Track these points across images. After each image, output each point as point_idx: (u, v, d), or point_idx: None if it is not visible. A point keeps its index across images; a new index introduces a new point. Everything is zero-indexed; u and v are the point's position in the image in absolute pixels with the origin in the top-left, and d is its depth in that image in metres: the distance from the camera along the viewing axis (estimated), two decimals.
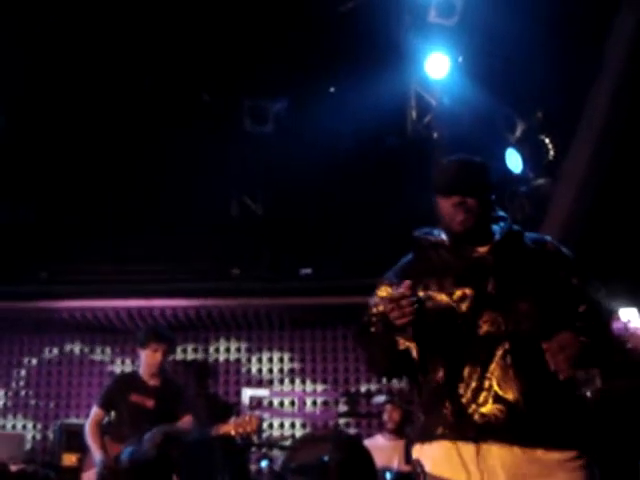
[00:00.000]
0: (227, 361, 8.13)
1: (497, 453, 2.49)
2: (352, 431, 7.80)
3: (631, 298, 5.10)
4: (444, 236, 2.81)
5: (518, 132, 6.86)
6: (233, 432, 5.01)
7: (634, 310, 5.10)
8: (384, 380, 7.99)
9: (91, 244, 7.56)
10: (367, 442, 6.25)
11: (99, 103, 7.12)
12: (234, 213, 7.59)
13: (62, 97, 7.02)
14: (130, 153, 7.37)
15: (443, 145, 7.05)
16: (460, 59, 6.85)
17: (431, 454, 2.64)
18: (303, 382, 8.02)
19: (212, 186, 7.37)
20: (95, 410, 5.69)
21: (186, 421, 5.59)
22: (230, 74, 7.26)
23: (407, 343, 2.63)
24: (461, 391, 2.56)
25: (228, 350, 8.16)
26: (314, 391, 7.97)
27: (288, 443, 7.42)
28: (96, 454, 5.36)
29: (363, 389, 7.99)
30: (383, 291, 2.79)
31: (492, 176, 2.84)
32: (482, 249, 2.74)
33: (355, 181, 7.23)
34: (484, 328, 2.58)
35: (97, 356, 8.15)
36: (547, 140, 6.78)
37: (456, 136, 7.02)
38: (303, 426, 7.88)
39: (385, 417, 6.70)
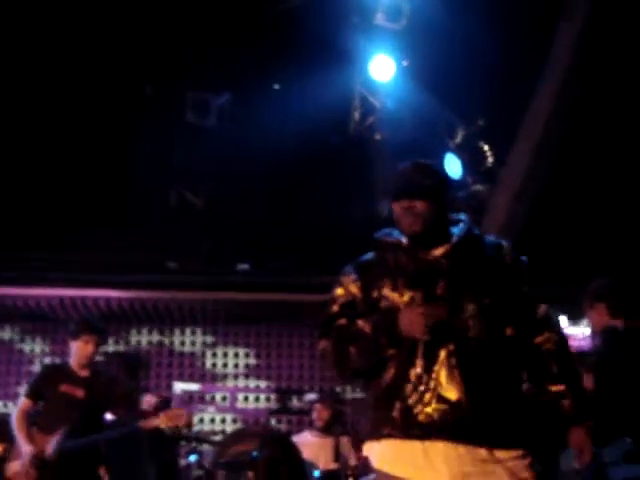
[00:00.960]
0: (160, 354, 8.06)
1: (442, 451, 2.53)
2: (283, 428, 7.82)
3: (561, 305, 5.22)
4: (403, 238, 2.84)
5: (458, 138, 6.97)
6: (163, 425, 4.96)
7: (563, 317, 5.22)
8: (317, 377, 8.04)
9: (25, 232, 7.40)
10: (295, 439, 6.27)
11: (43, 92, 6.99)
12: (173, 205, 7.52)
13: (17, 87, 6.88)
14: (70, 142, 7.24)
15: (384, 147, 7.11)
16: (405, 63, 6.92)
17: (379, 452, 2.67)
18: (235, 377, 8.00)
19: (152, 177, 7.30)
20: (23, 400, 5.57)
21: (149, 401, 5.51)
22: (174, 67, 7.19)
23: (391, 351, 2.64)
24: (408, 392, 2.58)
25: (161, 344, 8.09)
26: (246, 387, 7.95)
27: (218, 438, 7.40)
28: (23, 445, 5.25)
29: (295, 386, 8.00)
30: (348, 285, 2.80)
31: (446, 179, 2.88)
32: (438, 251, 2.77)
33: (296, 178, 7.25)
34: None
35: (27, 345, 7.99)
36: (486, 147, 6.90)
37: (398, 139, 7.10)
38: (234, 421, 7.86)
39: (314, 415, 6.73)
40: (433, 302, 2.61)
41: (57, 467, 5.01)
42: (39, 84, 6.88)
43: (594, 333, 4.71)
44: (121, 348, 8.01)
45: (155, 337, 8.10)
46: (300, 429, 7.48)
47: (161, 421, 4.94)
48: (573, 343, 4.86)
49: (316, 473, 5.83)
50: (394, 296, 2.69)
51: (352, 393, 8.04)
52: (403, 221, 2.76)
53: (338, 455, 6.14)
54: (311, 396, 7.09)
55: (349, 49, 6.97)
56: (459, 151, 6.92)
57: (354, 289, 2.80)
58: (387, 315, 2.63)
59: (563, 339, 2.83)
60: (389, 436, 2.62)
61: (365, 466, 5.22)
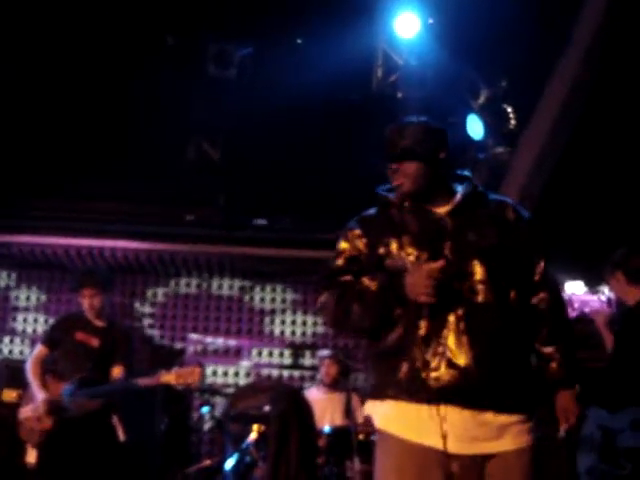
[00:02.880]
0: (175, 306, 8.10)
1: (448, 414, 2.53)
2: (295, 383, 7.87)
3: (579, 270, 5.19)
4: None
5: (481, 99, 6.88)
6: (174, 382, 4.99)
7: (580, 283, 5.19)
8: (330, 333, 8.07)
9: (44, 180, 7.41)
10: (304, 394, 6.32)
11: (61, 42, 6.93)
12: (191, 157, 7.49)
13: (24, 34, 6.82)
14: (90, 91, 7.20)
15: (407, 105, 7.03)
16: (430, 21, 6.81)
17: (382, 412, 2.67)
18: (250, 332, 8.04)
19: (171, 129, 7.27)
20: (39, 347, 5.65)
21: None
22: (196, 17, 7.11)
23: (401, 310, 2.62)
24: (415, 355, 2.57)
25: (177, 295, 8.13)
26: (260, 341, 8.00)
27: (231, 391, 7.47)
28: (36, 391, 5.34)
29: (309, 342, 8.04)
30: (354, 240, 2.79)
31: (440, 135, 2.81)
32: (442, 210, 2.74)
33: (316, 134, 7.20)
34: (440, 291, 2.56)
35: (43, 295, 8.05)
36: (509, 109, 6.81)
37: (420, 97, 7.01)
38: (247, 375, 7.92)
39: (322, 371, 6.79)
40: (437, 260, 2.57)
41: (70, 414, 5.09)
42: (59, 32, 6.83)
43: (616, 300, 4.72)
44: (137, 300, 8.06)
45: (171, 289, 8.13)
46: (312, 385, 7.54)
47: (172, 378, 4.98)
48: (590, 309, 4.82)
49: (326, 429, 5.87)
50: (400, 254, 2.66)
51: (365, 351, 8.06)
52: (394, 182, 2.74)
53: (349, 411, 6.18)
54: (324, 352, 7.14)
55: (374, 5, 6.87)
56: (482, 112, 6.83)
57: (359, 244, 2.77)
58: (394, 275, 2.61)
59: (558, 299, 2.81)
60: (394, 397, 2.61)
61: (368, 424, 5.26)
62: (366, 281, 2.67)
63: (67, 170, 7.36)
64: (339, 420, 6.39)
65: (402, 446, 2.58)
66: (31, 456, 5.29)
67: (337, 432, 5.85)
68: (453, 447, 2.51)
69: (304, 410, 5.60)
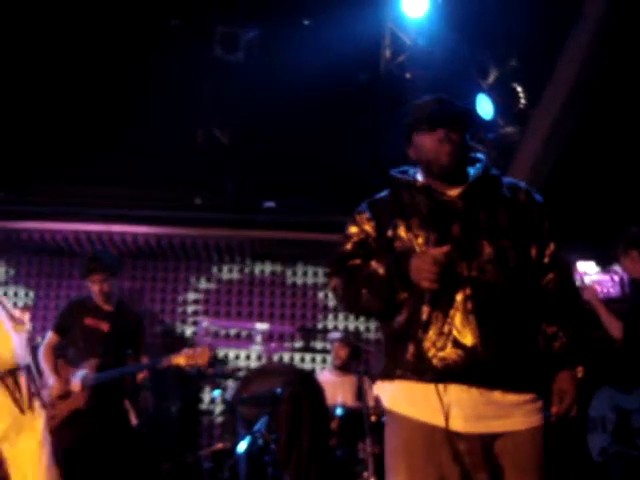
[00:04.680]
0: (186, 290, 8.12)
1: (456, 393, 2.53)
2: (307, 366, 7.89)
3: (590, 251, 5.17)
4: (419, 176, 2.80)
5: (491, 78, 6.82)
6: (184, 363, 5.01)
7: (592, 263, 5.17)
8: (341, 317, 8.07)
9: (52, 165, 7.41)
10: (316, 376, 6.34)
11: (65, 24, 6.89)
12: (199, 141, 7.47)
13: (29, 18, 6.78)
14: (96, 75, 7.17)
15: (415, 86, 6.98)
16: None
17: (391, 392, 2.68)
18: (261, 315, 8.05)
19: (179, 112, 7.24)
20: (50, 334, 5.68)
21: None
22: (203, 0, 7.07)
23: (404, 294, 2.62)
24: (421, 335, 2.57)
25: (187, 280, 8.14)
26: (271, 324, 8.00)
27: (242, 374, 7.48)
28: (49, 377, 5.36)
29: (320, 325, 8.05)
30: (363, 223, 2.79)
31: (474, 115, 2.85)
32: (454, 192, 2.72)
33: (324, 116, 7.15)
34: (447, 271, 2.56)
35: (54, 279, 8.07)
36: (519, 88, 6.75)
37: (429, 78, 6.96)
38: (258, 358, 7.94)
39: (333, 354, 6.81)
40: (446, 244, 2.56)
41: (82, 398, 5.12)
42: (62, 14, 6.78)
43: (628, 280, 4.70)
44: (148, 284, 8.08)
45: (182, 274, 8.15)
46: (324, 368, 7.55)
47: (183, 359, 5.00)
48: (602, 289, 4.81)
49: (339, 411, 5.88)
50: (408, 236, 2.65)
51: (376, 333, 8.07)
52: (441, 150, 2.69)
53: (360, 394, 6.19)
54: (335, 335, 7.15)
55: None
56: (491, 92, 6.77)
57: (368, 228, 2.77)
58: (401, 258, 2.60)
59: (566, 280, 2.78)
60: (401, 377, 2.61)
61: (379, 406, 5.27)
62: (374, 264, 2.66)
63: (75, 155, 7.34)
64: (351, 402, 6.41)
65: (410, 425, 2.58)
66: None
67: (349, 414, 5.87)
68: (460, 426, 2.51)
69: (316, 392, 5.61)
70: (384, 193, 2.86)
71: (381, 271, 2.63)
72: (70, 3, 6.69)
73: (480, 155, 2.88)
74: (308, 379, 6.09)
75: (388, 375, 2.69)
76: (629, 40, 5.56)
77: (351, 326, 8.03)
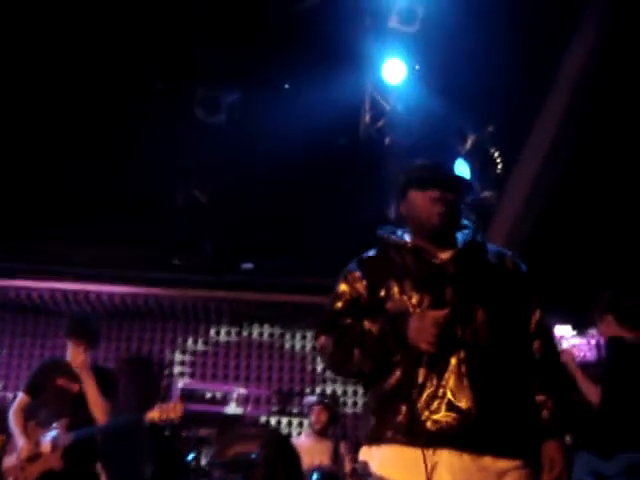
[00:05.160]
0: (161, 351, 8.04)
1: (446, 459, 2.49)
2: (283, 430, 7.79)
3: (567, 314, 5.18)
4: (407, 237, 2.80)
5: (468, 143, 6.92)
6: (157, 418, 4.93)
7: (568, 327, 5.18)
8: (318, 380, 8.00)
9: (29, 223, 7.38)
10: (292, 441, 6.24)
11: (52, 85, 6.95)
12: (179, 201, 7.49)
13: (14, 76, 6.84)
14: (78, 134, 7.21)
15: (394, 150, 7.07)
16: (417, 67, 6.87)
17: (379, 456, 2.62)
18: (237, 378, 7.97)
19: (159, 173, 7.27)
20: (21, 396, 5.56)
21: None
22: (185, 63, 7.16)
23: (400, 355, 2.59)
24: (415, 397, 2.54)
25: (163, 340, 8.07)
26: (247, 387, 7.92)
27: (217, 438, 7.37)
28: (18, 439, 5.25)
29: (296, 388, 7.97)
30: (354, 282, 2.76)
31: (470, 182, 2.88)
32: (444, 255, 2.72)
33: (303, 179, 7.22)
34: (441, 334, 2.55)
35: (28, 338, 7.96)
36: (496, 154, 6.85)
37: (407, 143, 7.05)
38: (234, 421, 7.83)
39: (312, 418, 6.70)
40: (441, 307, 2.56)
41: (51, 460, 5.00)
42: (47, 77, 6.84)
43: (604, 344, 4.70)
44: (123, 344, 7.99)
45: (158, 334, 8.07)
46: (300, 431, 7.46)
47: (156, 414, 4.92)
48: (578, 353, 4.81)
49: (315, 476, 5.79)
50: (402, 298, 2.65)
51: (353, 397, 8.00)
52: (432, 210, 2.71)
53: (336, 458, 6.11)
54: (311, 398, 7.07)
55: (361, 51, 6.93)
56: (469, 157, 6.87)
57: (359, 287, 2.75)
58: (396, 319, 2.59)
59: (551, 347, 2.79)
60: (392, 441, 2.57)
61: (357, 471, 5.20)
62: (367, 324, 2.64)
63: (53, 214, 7.33)
64: (328, 467, 6.31)
65: None
66: None
67: (325, 478, 5.78)
68: None
69: (291, 456, 5.52)
70: (372, 252, 2.86)
71: (375, 330, 2.61)
72: (56, 62, 6.75)
73: (467, 222, 2.90)
74: (284, 443, 6.01)
75: (376, 438, 2.63)
76: (602, 109, 5.69)
77: (328, 389, 7.96)
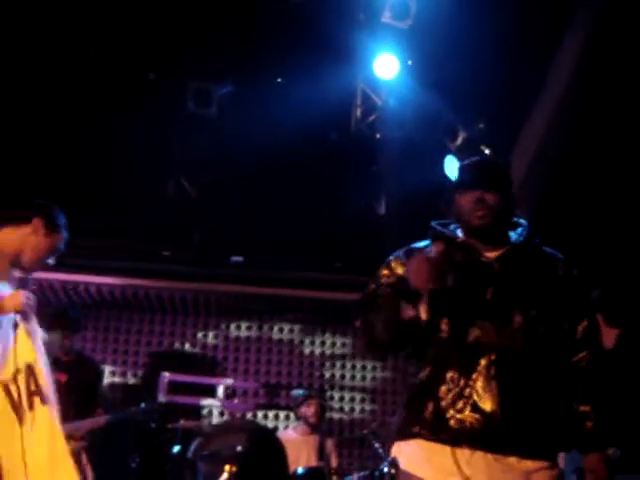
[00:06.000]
0: (149, 343, 8.02)
1: (472, 459, 2.49)
2: (270, 423, 7.79)
3: None
4: (459, 233, 2.79)
5: (459, 140, 6.93)
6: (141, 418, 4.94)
7: None
8: (305, 374, 8.00)
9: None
10: (279, 435, 6.24)
11: (44, 76, 6.92)
12: (170, 194, 7.47)
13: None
14: (67, 126, 7.18)
15: (385, 146, 7.08)
16: (409, 62, 6.88)
17: (408, 453, 2.63)
18: (224, 370, 7.96)
19: (150, 165, 7.25)
20: None
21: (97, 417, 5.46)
22: (177, 55, 7.14)
23: (415, 309, 2.55)
24: (442, 394, 2.56)
25: (152, 332, 8.05)
26: (234, 380, 7.92)
27: (203, 430, 7.36)
28: None
29: (284, 382, 7.97)
30: (397, 267, 2.74)
31: (511, 178, 2.85)
32: (492, 254, 2.71)
33: (294, 173, 7.21)
34: (474, 334, 2.56)
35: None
36: (487, 151, 6.86)
37: (398, 138, 7.06)
38: (220, 414, 7.83)
39: (307, 411, 6.61)
40: (480, 306, 2.57)
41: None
42: (38, 68, 6.82)
43: None
44: (110, 335, 7.97)
45: (146, 326, 8.06)
46: (287, 425, 7.46)
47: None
48: None
49: (300, 470, 5.79)
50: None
51: (340, 392, 8.03)
52: (473, 213, 2.69)
53: (322, 454, 6.11)
54: (298, 392, 7.06)
55: (354, 46, 6.93)
56: (459, 154, 6.87)
57: (401, 271, 2.71)
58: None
59: (597, 358, 2.74)
60: (418, 436, 2.58)
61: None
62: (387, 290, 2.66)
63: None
64: (314, 462, 6.31)
65: None
66: None
67: (311, 474, 5.77)
68: None
69: (277, 451, 5.52)
70: (422, 243, 2.83)
71: (390, 291, 2.62)
72: (48, 54, 6.73)
73: (522, 220, 2.86)
74: (270, 436, 6.01)
75: (405, 434, 2.64)
76: (594, 108, 5.70)
77: (316, 384, 7.97)
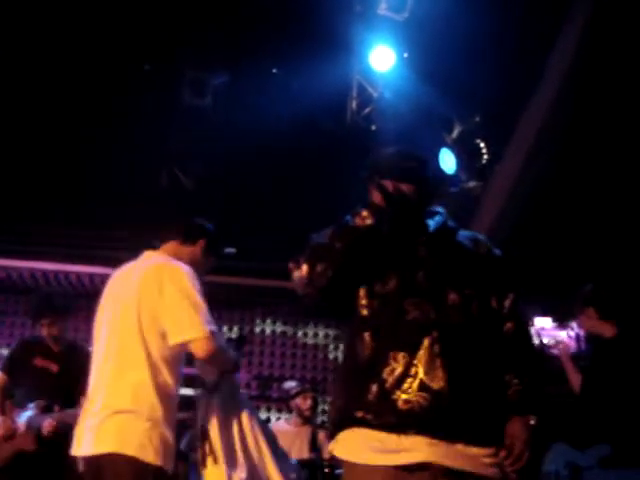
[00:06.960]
0: None
1: (418, 444, 2.47)
2: (262, 415, 7.78)
3: (548, 306, 5.20)
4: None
5: (455, 133, 6.92)
6: None
7: (548, 319, 5.20)
8: (298, 366, 8.00)
9: (11, 203, 7.31)
10: (271, 426, 6.22)
11: (38, 66, 6.89)
12: (163, 184, 7.44)
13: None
14: (61, 117, 7.15)
15: (380, 138, 7.06)
16: (405, 55, 6.86)
17: (350, 441, 2.57)
18: None
19: (145, 155, 7.23)
20: None
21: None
22: (173, 45, 7.11)
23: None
24: (386, 375, 2.50)
25: None
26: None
27: (195, 421, 7.35)
28: None
29: (276, 374, 7.97)
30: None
31: (429, 169, 2.85)
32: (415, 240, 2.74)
33: (289, 164, 7.19)
34: (412, 314, 2.55)
35: (8, 317, 7.90)
36: (482, 144, 6.85)
37: (394, 130, 7.04)
38: None
39: (303, 404, 6.58)
40: (412, 290, 2.58)
41: (25, 440, 4.96)
42: (37, 60, 6.79)
43: (584, 336, 4.73)
44: None
45: None
46: (279, 417, 7.45)
47: None
48: (559, 346, 4.84)
49: (292, 462, 5.78)
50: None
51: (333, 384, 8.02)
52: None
53: (315, 445, 6.09)
54: (290, 384, 7.04)
55: (350, 37, 6.92)
56: (455, 146, 6.87)
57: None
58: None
59: (523, 330, 2.78)
60: (361, 421, 2.52)
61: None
62: None
63: (34, 193, 7.27)
64: (306, 454, 6.29)
65: (369, 471, 2.49)
66: None
67: (303, 465, 5.76)
68: (423, 456, 2.43)
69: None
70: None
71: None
72: (46, 45, 6.70)
73: (439, 209, 2.88)
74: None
75: (347, 419, 2.56)
76: (592, 99, 5.70)
77: (308, 375, 7.96)
